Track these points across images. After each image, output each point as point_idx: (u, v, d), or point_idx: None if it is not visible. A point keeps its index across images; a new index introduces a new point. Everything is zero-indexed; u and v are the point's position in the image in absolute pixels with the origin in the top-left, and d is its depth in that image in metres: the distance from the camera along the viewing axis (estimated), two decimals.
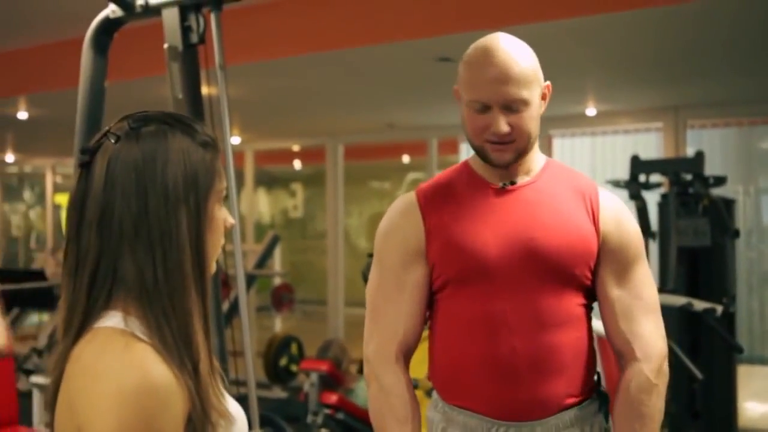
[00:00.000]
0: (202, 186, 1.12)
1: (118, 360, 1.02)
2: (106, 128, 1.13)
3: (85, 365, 1.04)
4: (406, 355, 1.77)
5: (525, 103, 1.66)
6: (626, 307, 1.72)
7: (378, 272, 1.79)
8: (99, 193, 1.08)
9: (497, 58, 1.66)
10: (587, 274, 1.71)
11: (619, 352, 1.75)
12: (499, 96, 1.65)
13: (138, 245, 1.07)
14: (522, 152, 1.70)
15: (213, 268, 1.17)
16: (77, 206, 1.10)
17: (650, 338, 1.72)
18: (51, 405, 1.10)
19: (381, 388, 1.73)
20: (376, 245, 1.80)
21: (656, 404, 1.71)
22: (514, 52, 1.67)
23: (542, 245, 1.66)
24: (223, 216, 1.18)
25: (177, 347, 1.06)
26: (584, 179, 1.79)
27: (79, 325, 1.08)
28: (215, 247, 1.17)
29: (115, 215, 1.07)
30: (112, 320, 1.07)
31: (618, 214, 1.75)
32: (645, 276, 1.76)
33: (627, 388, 1.71)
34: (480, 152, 1.72)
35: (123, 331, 1.05)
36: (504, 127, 1.65)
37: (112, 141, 1.10)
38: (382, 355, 1.74)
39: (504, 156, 1.69)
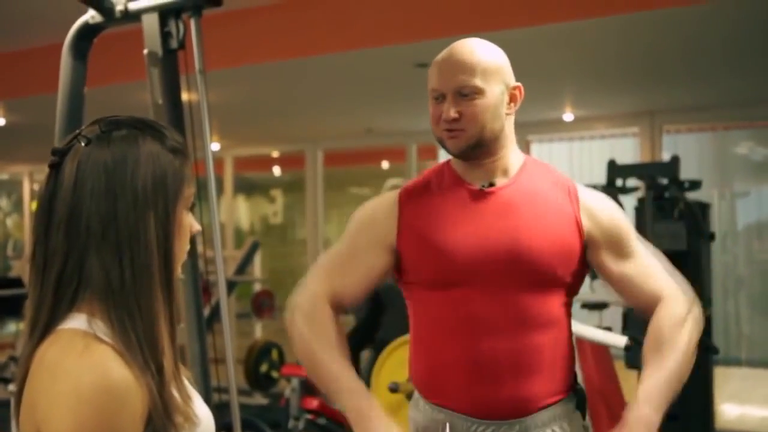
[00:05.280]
0: (170, 191, 1.13)
1: (77, 361, 1.02)
2: (77, 131, 1.14)
3: (46, 366, 1.05)
4: (336, 309, 1.74)
5: (476, 90, 1.66)
6: (643, 271, 1.74)
7: (339, 246, 1.81)
8: (68, 194, 1.09)
9: (455, 50, 1.71)
10: (569, 273, 1.71)
11: (648, 307, 1.73)
12: (450, 83, 1.67)
13: (105, 247, 1.08)
14: (478, 143, 1.68)
15: (179, 272, 1.18)
16: (45, 207, 1.11)
17: (676, 285, 1.74)
18: (17, 405, 1.10)
19: (312, 324, 1.70)
20: (348, 226, 1.82)
21: (687, 337, 1.67)
22: (475, 47, 1.71)
23: (523, 248, 1.66)
24: (189, 222, 1.19)
25: (141, 349, 1.06)
26: (561, 175, 1.80)
27: (45, 326, 1.09)
28: (182, 251, 1.18)
29: (83, 216, 1.08)
30: (76, 321, 1.07)
31: (598, 205, 1.76)
32: (645, 248, 1.78)
33: (657, 320, 1.69)
34: (441, 144, 1.73)
35: (85, 332, 1.06)
36: (451, 112, 1.66)
37: (83, 144, 1.11)
38: (314, 300, 1.73)
39: (457, 143, 1.69)
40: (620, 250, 1.75)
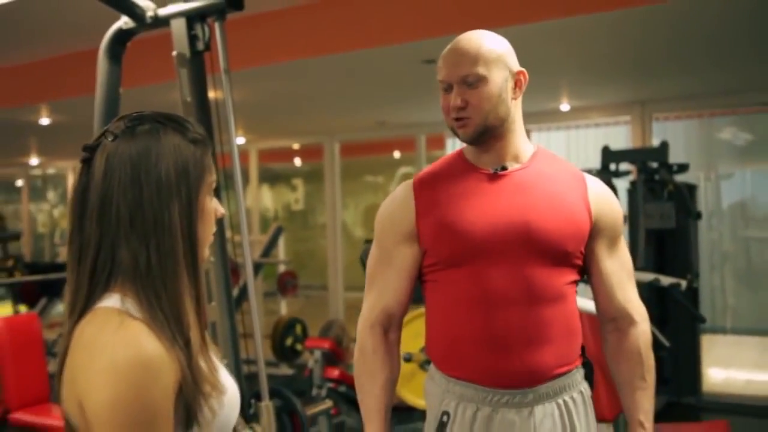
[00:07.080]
0: (192, 178, 1.13)
1: (112, 336, 1.03)
2: (105, 128, 1.14)
3: (84, 342, 1.05)
4: (385, 324, 1.77)
5: (480, 78, 1.63)
6: (618, 278, 1.75)
7: (374, 249, 1.80)
8: (98, 185, 1.09)
9: (459, 42, 1.69)
10: (578, 253, 1.69)
11: (615, 318, 1.78)
12: (455, 73, 1.65)
13: (133, 233, 1.08)
14: (486, 128, 1.66)
15: (206, 254, 1.17)
16: (79, 199, 1.11)
17: (638, 301, 1.79)
18: (59, 378, 1.11)
19: (360, 350, 1.78)
20: (375, 225, 1.80)
21: (653, 359, 1.80)
22: (478, 37, 1.67)
23: (535, 226, 1.63)
24: (213, 207, 1.18)
25: (168, 324, 1.07)
26: (569, 163, 1.78)
27: (82, 308, 1.09)
28: (207, 235, 1.17)
29: (113, 205, 1.08)
30: (111, 301, 1.08)
31: (605, 194, 1.75)
32: (624, 243, 1.79)
33: (637, 347, 1.77)
34: (454, 132, 1.71)
35: (119, 310, 1.06)
36: (457, 101, 1.65)
37: (110, 139, 1.11)
38: (365, 323, 1.78)
39: (466, 131, 1.67)
40: (610, 246, 1.74)
